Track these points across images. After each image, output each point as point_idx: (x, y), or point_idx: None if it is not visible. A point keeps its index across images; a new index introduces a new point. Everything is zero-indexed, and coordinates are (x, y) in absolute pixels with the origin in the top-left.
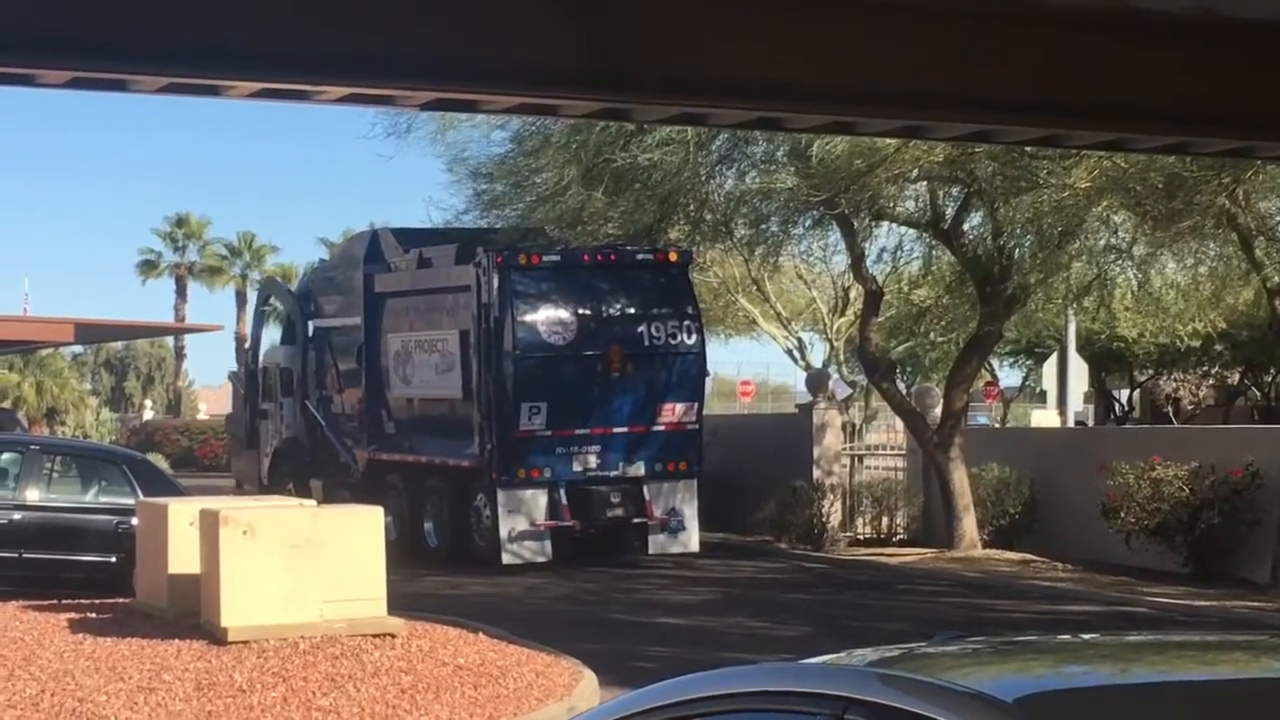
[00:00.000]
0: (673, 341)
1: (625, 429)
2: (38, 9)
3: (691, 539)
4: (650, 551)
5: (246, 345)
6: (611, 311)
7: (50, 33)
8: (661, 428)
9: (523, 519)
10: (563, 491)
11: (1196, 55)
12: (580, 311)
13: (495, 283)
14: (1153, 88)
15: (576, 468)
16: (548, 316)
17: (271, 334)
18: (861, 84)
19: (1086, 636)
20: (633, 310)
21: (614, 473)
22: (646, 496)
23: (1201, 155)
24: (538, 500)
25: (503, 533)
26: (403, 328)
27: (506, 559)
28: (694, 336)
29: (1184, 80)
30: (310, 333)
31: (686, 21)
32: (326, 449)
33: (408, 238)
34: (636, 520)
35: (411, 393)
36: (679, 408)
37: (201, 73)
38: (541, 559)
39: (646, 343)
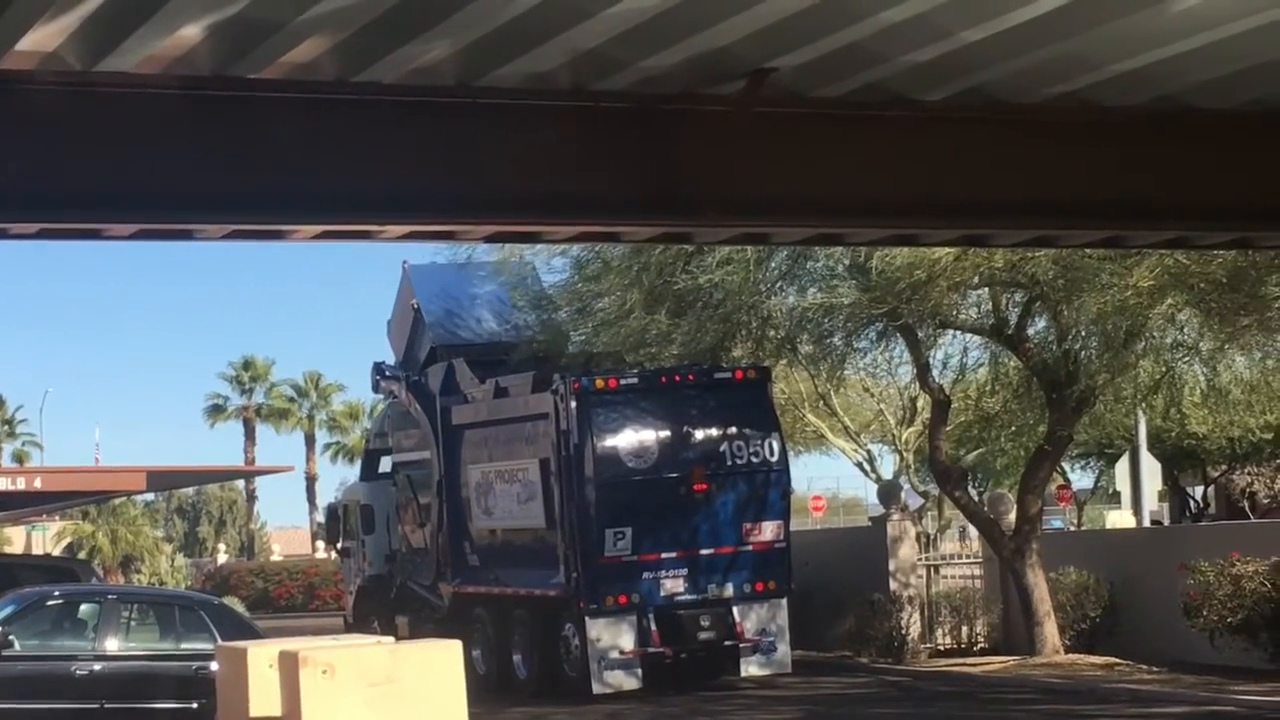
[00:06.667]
0: (755, 459)
1: (712, 550)
2: (103, 168)
3: (784, 660)
4: (743, 674)
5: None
6: (692, 432)
7: (116, 190)
8: (749, 547)
9: (612, 647)
10: (651, 617)
11: (1255, 153)
12: (660, 433)
13: (573, 409)
14: (1212, 186)
15: (664, 592)
16: (628, 440)
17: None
18: (921, 196)
19: None
20: (713, 430)
21: (702, 595)
22: (736, 618)
23: (1264, 249)
24: (626, 627)
25: (592, 662)
26: (482, 459)
27: (598, 688)
28: (776, 453)
29: (1243, 177)
30: (391, 466)
31: (745, 144)
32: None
33: (482, 367)
34: (728, 643)
35: (494, 524)
36: (765, 526)
37: (264, 219)
38: (633, 686)
39: (729, 462)
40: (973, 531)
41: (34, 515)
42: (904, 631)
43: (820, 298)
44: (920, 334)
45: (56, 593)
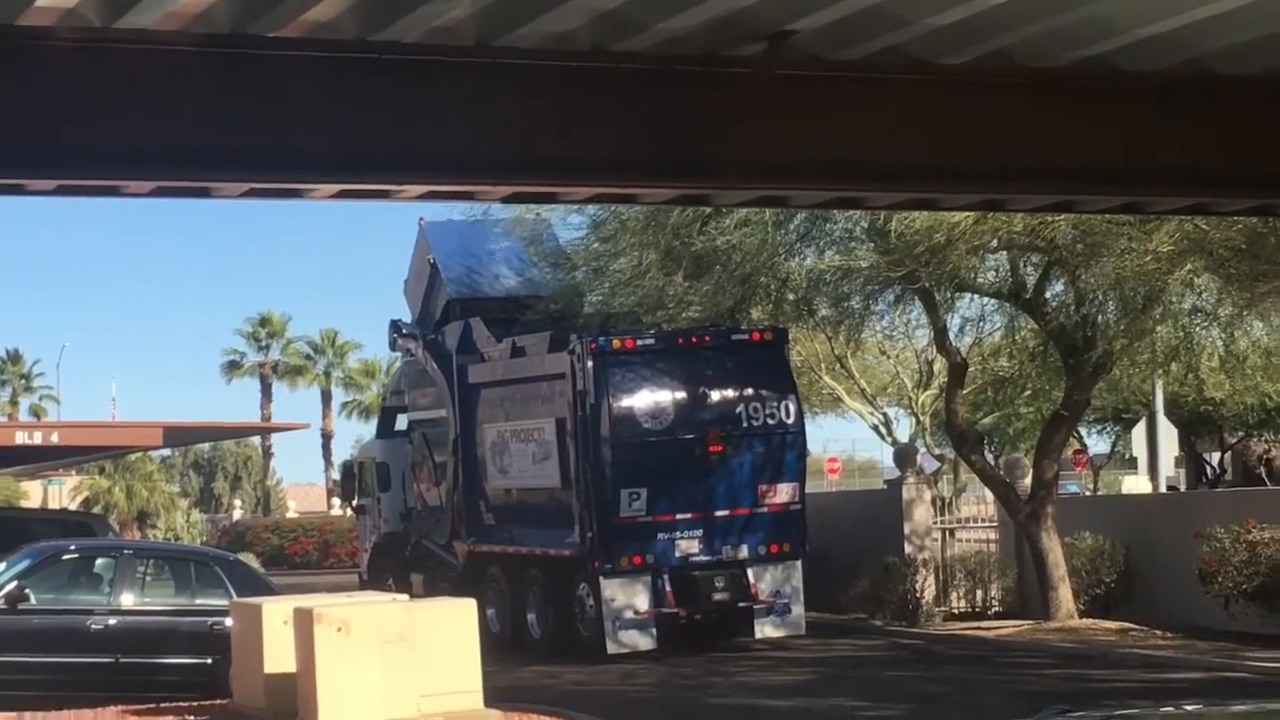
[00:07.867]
0: (771, 421)
1: (727, 512)
2: (121, 126)
3: (798, 621)
4: (757, 635)
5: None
6: (708, 393)
7: (135, 146)
8: (764, 509)
9: (626, 607)
10: (666, 578)
11: (1277, 119)
12: (677, 394)
13: (590, 369)
14: (1233, 152)
15: (679, 553)
16: (644, 401)
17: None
18: (940, 160)
19: (1189, 707)
20: (730, 391)
21: (717, 557)
22: (750, 580)
23: None
24: (641, 588)
25: (607, 622)
26: (498, 417)
27: (612, 648)
28: (793, 415)
29: (1264, 143)
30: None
31: (764, 106)
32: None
33: (499, 324)
34: (742, 604)
35: (509, 483)
36: (781, 488)
37: (282, 177)
38: (647, 646)
39: (745, 423)
40: (988, 495)
41: (50, 470)
42: (918, 595)
43: (838, 260)
44: (938, 297)
45: (72, 547)
